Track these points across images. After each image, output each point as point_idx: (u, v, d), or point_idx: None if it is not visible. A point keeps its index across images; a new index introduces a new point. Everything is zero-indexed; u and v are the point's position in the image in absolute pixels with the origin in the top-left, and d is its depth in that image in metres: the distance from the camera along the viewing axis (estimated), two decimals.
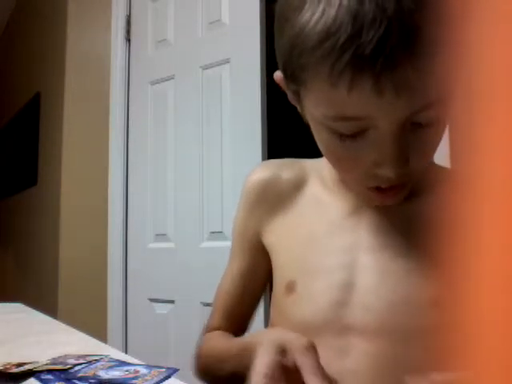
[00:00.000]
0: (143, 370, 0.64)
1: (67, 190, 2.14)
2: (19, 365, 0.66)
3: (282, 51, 0.52)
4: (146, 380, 0.60)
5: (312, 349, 0.47)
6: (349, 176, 0.56)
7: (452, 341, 0.14)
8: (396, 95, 0.45)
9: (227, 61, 1.79)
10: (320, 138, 0.54)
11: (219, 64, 1.81)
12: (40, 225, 2.52)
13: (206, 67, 1.86)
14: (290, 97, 0.57)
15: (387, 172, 0.50)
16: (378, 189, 0.54)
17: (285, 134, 2.74)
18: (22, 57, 3.24)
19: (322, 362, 0.48)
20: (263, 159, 1.65)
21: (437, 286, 0.52)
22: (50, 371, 0.64)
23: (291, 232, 0.65)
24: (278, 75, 0.57)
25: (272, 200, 0.68)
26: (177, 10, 2.01)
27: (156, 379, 0.61)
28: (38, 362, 0.67)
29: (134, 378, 0.61)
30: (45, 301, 2.24)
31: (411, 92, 0.45)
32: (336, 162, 0.55)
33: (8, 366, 0.65)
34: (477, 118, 0.14)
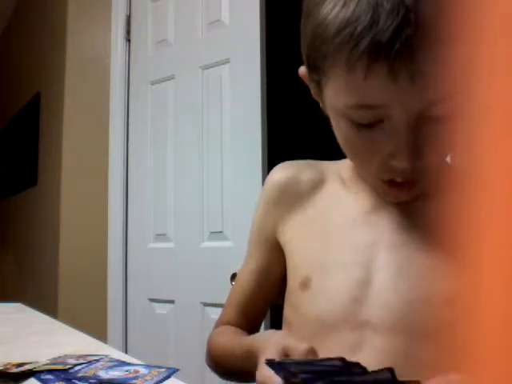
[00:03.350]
0: (143, 370, 0.64)
1: (67, 190, 2.14)
2: (19, 365, 0.66)
3: (305, 43, 0.54)
4: (146, 380, 0.60)
5: (312, 354, 0.48)
6: (365, 169, 0.57)
7: (465, 341, 0.14)
8: (411, 83, 0.46)
9: (227, 61, 1.78)
10: (339, 129, 0.55)
11: (219, 64, 1.81)
12: (40, 225, 2.52)
13: (205, 67, 1.86)
14: (313, 91, 0.58)
15: (401, 163, 0.50)
16: (393, 182, 0.54)
17: (285, 134, 2.74)
18: (22, 57, 3.24)
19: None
20: (263, 159, 1.65)
21: (454, 284, 0.52)
22: (50, 371, 0.64)
23: (308, 230, 0.66)
24: (301, 70, 0.58)
25: (290, 200, 0.68)
26: (177, 10, 2.00)
27: (156, 379, 0.61)
28: (38, 362, 0.67)
29: (134, 378, 0.61)
30: (45, 301, 2.24)
31: (426, 81, 0.46)
32: (353, 154, 0.56)
33: (8, 366, 0.66)
34: (477, 116, 0.14)
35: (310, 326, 0.60)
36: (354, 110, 0.50)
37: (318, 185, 0.68)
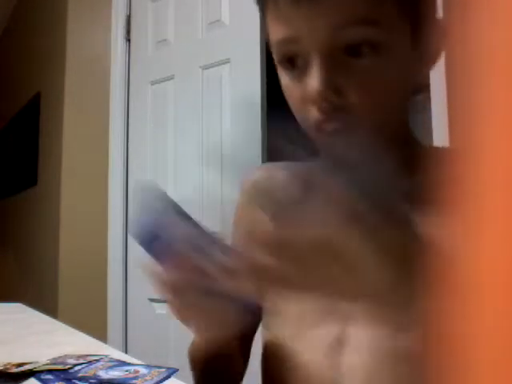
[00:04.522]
0: (143, 370, 0.64)
1: (67, 190, 2.14)
2: (19, 365, 0.66)
3: None
4: (146, 380, 0.60)
5: None
6: (300, 118, 0.54)
7: (456, 328, 0.14)
8: (311, 6, 0.45)
9: (227, 61, 1.78)
10: (281, 80, 0.53)
11: (219, 64, 1.81)
12: (40, 225, 2.52)
13: (205, 67, 1.86)
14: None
15: (312, 80, 0.47)
16: (320, 126, 0.50)
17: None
18: (22, 57, 3.24)
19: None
20: (263, 159, 1.65)
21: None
22: (50, 371, 0.64)
23: None
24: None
25: (260, 202, 0.68)
26: (177, 10, 2.00)
27: (156, 379, 0.61)
28: (38, 362, 0.67)
29: (134, 378, 0.61)
30: (45, 301, 2.24)
31: (328, 3, 0.45)
32: (290, 104, 0.53)
33: (8, 366, 0.66)
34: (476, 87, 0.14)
35: (290, 325, 0.59)
36: (276, 47, 0.50)
37: (297, 185, 0.67)
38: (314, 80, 0.47)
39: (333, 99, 0.48)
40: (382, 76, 0.48)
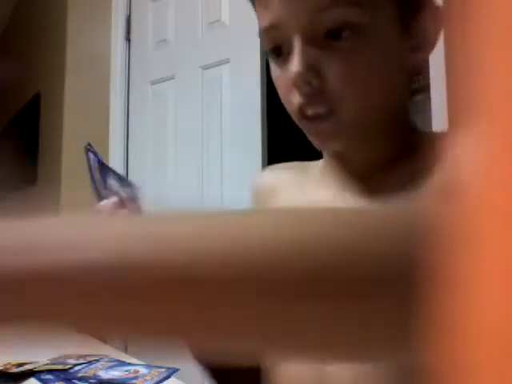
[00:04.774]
0: (143, 370, 0.64)
1: (67, 190, 2.14)
2: (19, 365, 0.66)
3: None
4: (146, 380, 0.60)
5: None
6: (286, 104, 0.53)
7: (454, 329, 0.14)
8: None
9: (227, 61, 1.78)
10: (271, 71, 0.53)
11: (219, 64, 1.81)
12: None
13: (205, 67, 1.86)
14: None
15: (293, 66, 0.47)
16: (306, 113, 0.50)
17: (285, 134, 2.74)
18: (22, 57, 3.24)
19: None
20: (263, 159, 1.65)
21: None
22: (50, 371, 0.64)
23: None
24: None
25: (269, 202, 0.67)
26: (177, 10, 2.01)
27: (156, 379, 0.61)
28: (38, 362, 0.67)
29: (133, 378, 0.61)
30: None
31: None
32: (280, 95, 0.53)
33: (8, 366, 0.66)
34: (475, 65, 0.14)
35: None
36: (263, 36, 0.50)
37: (297, 186, 0.66)
38: (295, 63, 0.47)
39: (314, 82, 0.47)
40: (363, 59, 0.48)
